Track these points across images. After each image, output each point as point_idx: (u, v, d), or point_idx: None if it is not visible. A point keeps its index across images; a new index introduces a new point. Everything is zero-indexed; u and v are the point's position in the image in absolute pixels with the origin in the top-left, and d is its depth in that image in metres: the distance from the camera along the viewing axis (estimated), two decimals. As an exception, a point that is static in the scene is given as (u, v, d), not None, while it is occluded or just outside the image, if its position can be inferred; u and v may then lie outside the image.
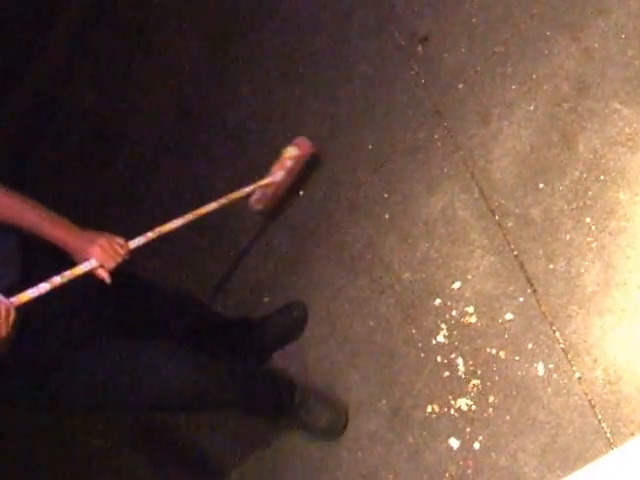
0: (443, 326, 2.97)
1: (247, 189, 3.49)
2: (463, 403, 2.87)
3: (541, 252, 2.78)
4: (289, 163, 3.54)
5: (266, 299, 3.61)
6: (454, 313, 2.95)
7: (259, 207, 3.66)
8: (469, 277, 2.94)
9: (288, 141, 3.62)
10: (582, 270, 2.68)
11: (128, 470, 3.90)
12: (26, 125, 5.45)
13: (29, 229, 2.50)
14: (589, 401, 2.56)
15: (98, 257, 2.59)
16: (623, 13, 2.80)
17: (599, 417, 2.53)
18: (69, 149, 5.20)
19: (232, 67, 4.10)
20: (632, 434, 2.45)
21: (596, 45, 2.83)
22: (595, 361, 2.59)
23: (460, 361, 2.90)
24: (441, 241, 3.06)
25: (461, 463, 2.82)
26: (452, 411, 2.89)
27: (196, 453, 3.67)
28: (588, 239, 2.69)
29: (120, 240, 2.70)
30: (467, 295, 2.93)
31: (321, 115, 3.60)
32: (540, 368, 2.70)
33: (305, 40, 3.75)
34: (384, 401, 3.06)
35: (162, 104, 4.59)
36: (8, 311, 2.32)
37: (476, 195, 2.99)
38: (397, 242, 3.18)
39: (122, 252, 2.67)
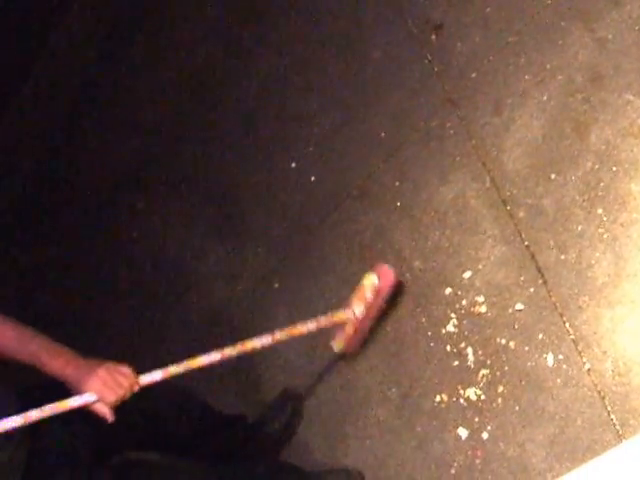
0: (453, 315, 2.97)
1: (314, 324, 2.93)
2: (472, 393, 2.87)
3: (552, 243, 2.78)
4: (369, 296, 3.06)
5: (276, 285, 3.61)
6: (464, 302, 2.95)
7: (339, 348, 3.16)
8: (480, 267, 2.94)
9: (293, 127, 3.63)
10: (593, 261, 2.68)
11: None
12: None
13: (27, 360, 2.27)
14: (598, 392, 2.57)
15: (95, 390, 2.26)
16: (637, 5, 2.79)
17: (608, 409, 2.54)
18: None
19: (240, 55, 4.09)
20: (641, 426, 2.46)
21: (610, 36, 2.82)
22: (605, 352, 2.59)
23: (469, 350, 2.91)
24: (452, 230, 3.06)
25: (469, 453, 2.83)
26: (461, 400, 2.90)
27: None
28: (599, 230, 2.68)
29: (125, 369, 2.35)
30: (477, 285, 2.93)
31: (333, 102, 3.59)
32: (550, 359, 2.70)
33: (318, 26, 3.74)
34: (393, 389, 3.07)
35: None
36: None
37: (488, 185, 2.99)
38: (408, 230, 3.18)
39: (126, 384, 2.31)
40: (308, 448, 3.29)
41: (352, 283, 3.28)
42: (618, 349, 2.57)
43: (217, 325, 3.79)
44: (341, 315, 3.04)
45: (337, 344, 3.13)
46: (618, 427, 2.51)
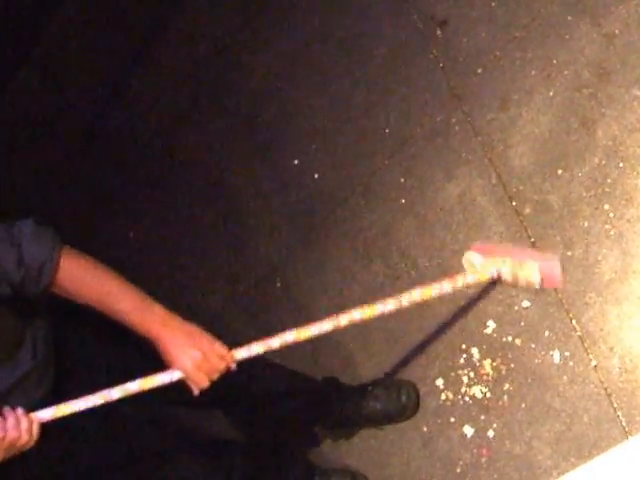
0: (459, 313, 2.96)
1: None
2: (478, 390, 2.86)
3: (559, 239, 2.76)
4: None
5: (278, 284, 3.59)
6: (471, 301, 2.94)
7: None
8: (485, 263, 2.92)
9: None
10: (600, 257, 2.66)
11: None
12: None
13: (112, 316, 2.10)
14: (605, 389, 2.55)
15: (187, 373, 2.09)
16: (645, 0, 2.78)
17: (615, 405, 2.52)
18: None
19: (243, 50, 4.07)
20: (648, 423, 2.45)
21: (617, 31, 2.80)
22: (611, 349, 2.58)
23: (475, 349, 2.89)
24: (458, 227, 3.04)
25: (475, 451, 2.81)
26: (466, 398, 2.88)
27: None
28: (606, 226, 2.67)
29: (223, 351, 2.12)
30: (482, 283, 2.91)
31: (337, 98, 3.56)
32: (556, 356, 2.68)
33: (323, 21, 3.72)
34: (398, 387, 3.05)
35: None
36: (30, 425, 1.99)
37: (494, 181, 2.97)
38: (413, 228, 3.16)
39: (221, 367, 2.11)
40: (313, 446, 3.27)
41: (356, 281, 3.27)
42: (625, 346, 2.56)
43: (218, 325, 3.76)
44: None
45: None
46: (624, 424, 2.49)
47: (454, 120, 3.14)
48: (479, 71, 3.10)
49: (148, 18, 4.66)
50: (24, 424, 1.97)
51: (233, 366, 2.14)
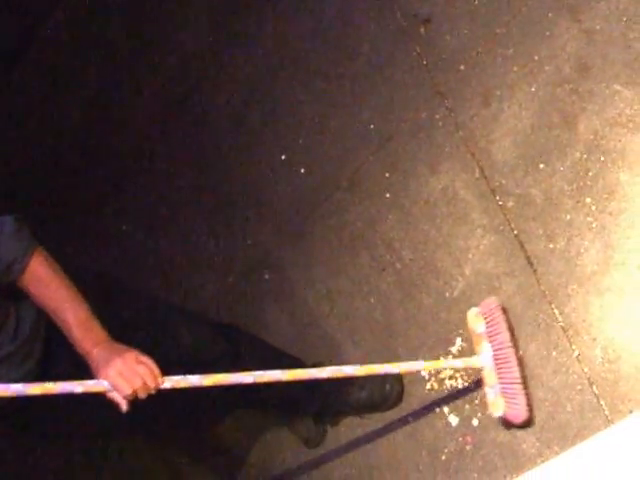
0: (443, 305, 3.01)
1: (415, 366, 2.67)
2: (461, 380, 2.91)
3: (541, 232, 2.81)
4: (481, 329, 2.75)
5: (266, 276, 3.63)
6: (455, 293, 2.99)
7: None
8: (469, 256, 2.97)
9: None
10: (582, 250, 2.71)
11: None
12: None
13: (59, 322, 2.24)
14: (588, 379, 2.60)
15: (109, 379, 2.17)
16: (624, -5, 2.83)
17: (597, 394, 2.58)
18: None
19: (230, 46, 4.10)
20: (630, 411, 2.50)
21: (597, 27, 2.84)
22: (594, 340, 2.63)
23: (458, 339, 2.94)
24: (442, 220, 3.09)
25: (460, 439, 2.87)
26: (451, 388, 2.93)
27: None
28: (588, 219, 2.72)
29: (146, 360, 2.22)
30: (467, 274, 2.96)
31: (322, 94, 3.60)
32: (539, 346, 2.73)
33: (307, 20, 3.75)
34: (384, 377, 3.10)
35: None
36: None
37: (477, 175, 3.02)
38: (398, 221, 3.21)
39: (144, 376, 2.19)
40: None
41: (343, 273, 3.31)
42: (607, 336, 2.61)
43: (208, 315, 3.81)
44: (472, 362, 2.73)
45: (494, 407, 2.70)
46: (607, 412, 2.55)
47: (437, 116, 3.18)
48: (462, 68, 3.15)
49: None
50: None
51: (161, 381, 2.24)
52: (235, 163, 3.84)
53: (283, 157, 3.68)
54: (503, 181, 2.94)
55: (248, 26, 4.03)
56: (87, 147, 4.88)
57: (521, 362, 2.73)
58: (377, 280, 3.21)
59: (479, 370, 2.73)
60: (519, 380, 2.67)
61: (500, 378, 2.67)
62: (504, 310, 2.79)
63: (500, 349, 2.69)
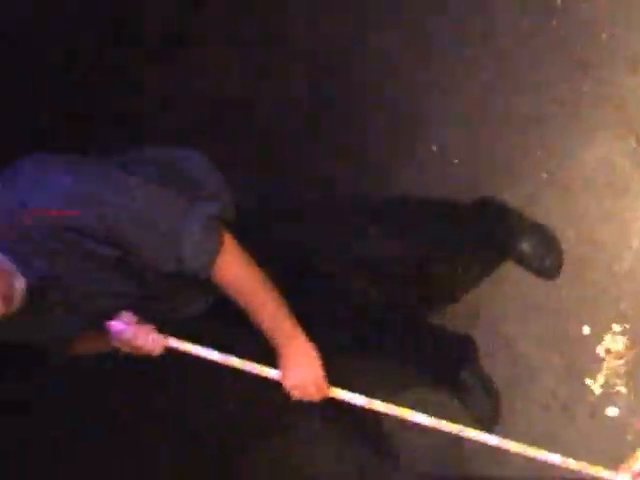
0: (612, 280, 2.97)
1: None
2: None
3: None
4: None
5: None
6: (625, 265, 2.94)
7: None
8: (635, 228, 2.92)
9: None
10: None
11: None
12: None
13: (249, 315, 2.30)
14: None
15: (287, 384, 2.34)
16: None
17: None
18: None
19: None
20: None
21: None
22: None
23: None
24: (602, 194, 3.04)
25: None
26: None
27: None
28: None
29: (323, 384, 2.33)
30: (634, 246, 2.91)
31: (469, 77, 3.57)
32: None
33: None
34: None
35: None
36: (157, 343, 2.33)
37: (634, 144, 2.95)
38: (557, 200, 3.17)
39: (315, 398, 2.35)
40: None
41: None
42: None
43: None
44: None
45: None
46: None
47: (585, 88, 3.13)
48: (603, 36, 3.08)
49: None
50: (152, 338, 2.30)
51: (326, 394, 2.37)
52: (388, 152, 3.83)
53: (434, 148, 3.66)
54: (661, 146, 2.88)
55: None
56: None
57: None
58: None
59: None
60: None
61: None
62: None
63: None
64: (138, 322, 2.31)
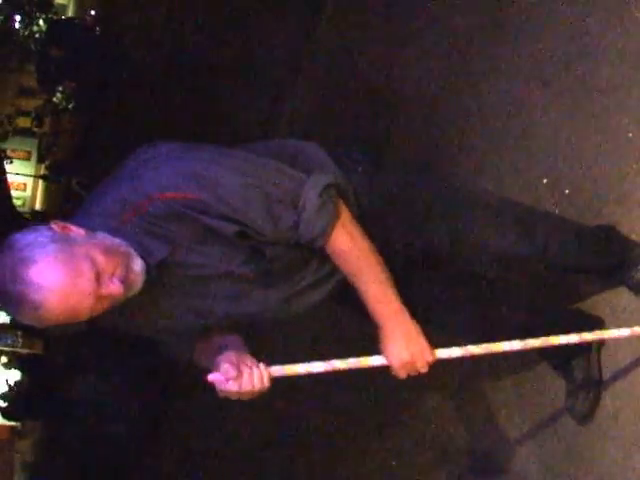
0: None
1: None
2: None
3: None
4: None
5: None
6: None
7: None
8: None
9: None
10: None
11: None
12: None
13: (356, 290, 2.39)
14: None
15: (393, 364, 2.37)
16: None
17: None
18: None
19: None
20: None
21: None
22: None
23: None
24: None
25: None
26: None
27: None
28: None
29: (429, 357, 2.36)
30: None
31: (573, 107, 3.49)
32: None
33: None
34: None
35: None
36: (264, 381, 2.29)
37: None
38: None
39: (423, 371, 2.37)
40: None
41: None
42: None
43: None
44: None
45: None
46: None
47: None
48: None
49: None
50: (257, 378, 2.26)
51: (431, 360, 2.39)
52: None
53: (545, 181, 3.58)
54: None
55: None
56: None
57: None
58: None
59: None
60: None
61: None
62: None
63: None
64: (238, 364, 2.29)
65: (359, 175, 2.54)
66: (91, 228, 2.19)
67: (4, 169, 12.23)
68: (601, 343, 3.06)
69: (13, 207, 12.61)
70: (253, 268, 2.36)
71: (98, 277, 2.09)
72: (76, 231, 2.15)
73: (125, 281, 2.15)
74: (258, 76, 6.46)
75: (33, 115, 19.59)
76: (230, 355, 2.31)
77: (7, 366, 15.82)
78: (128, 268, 2.16)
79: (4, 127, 19.39)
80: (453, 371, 3.70)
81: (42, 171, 20.18)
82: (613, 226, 3.09)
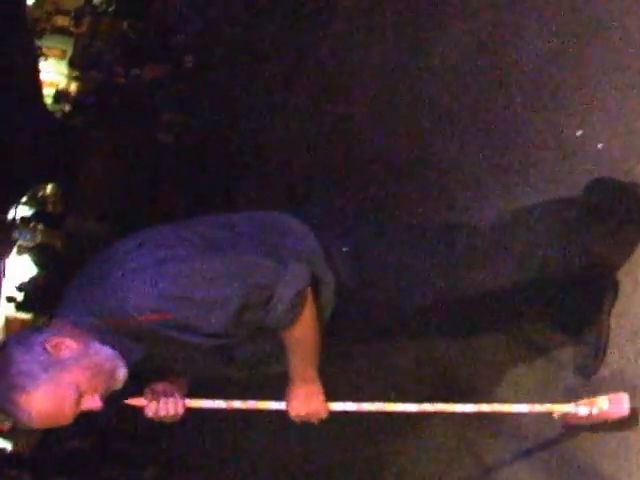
0: None
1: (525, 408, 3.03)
2: None
3: None
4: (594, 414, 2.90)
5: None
6: None
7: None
8: None
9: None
10: None
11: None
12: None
13: (291, 358, 2.66)
14: None
15: (290, 416, 2.72)
16: None
17: None
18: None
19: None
20: None
21: None
22: None
23: None
24: None
25: None
26: None
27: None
28: None
29: (324, 415, 2.76)
30: None
31: (613, 57, 3.48)
32: None
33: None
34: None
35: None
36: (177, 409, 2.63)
37: None
38: None
39: (314, 422, 2.78)
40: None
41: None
42: None
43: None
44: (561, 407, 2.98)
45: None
46: None
47: None
48: None
49: None
50: (171, 406, 2.60)
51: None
52: (530, 143, 3.75)
53: (579, 133, 3.55)
54: None
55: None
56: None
57: None
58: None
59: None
60: None
61: None
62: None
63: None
64: (160, 392, 2.65)
65: (343, 255, 2.70)
66: (84, 328, 2.45)
67: (38, 67, 12.20)
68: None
69: (44, 104, 12.61)
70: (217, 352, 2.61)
71: (80, 397, 2.41)
72: (69, 346, 2.42)
73: (105, 392, 2.48)
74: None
75: (72, 15, 19.43)
76: (158, 385, 2.65)
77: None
78: (111, 381, 2.48)
79: (42, 24, 19.24)
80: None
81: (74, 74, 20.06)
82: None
